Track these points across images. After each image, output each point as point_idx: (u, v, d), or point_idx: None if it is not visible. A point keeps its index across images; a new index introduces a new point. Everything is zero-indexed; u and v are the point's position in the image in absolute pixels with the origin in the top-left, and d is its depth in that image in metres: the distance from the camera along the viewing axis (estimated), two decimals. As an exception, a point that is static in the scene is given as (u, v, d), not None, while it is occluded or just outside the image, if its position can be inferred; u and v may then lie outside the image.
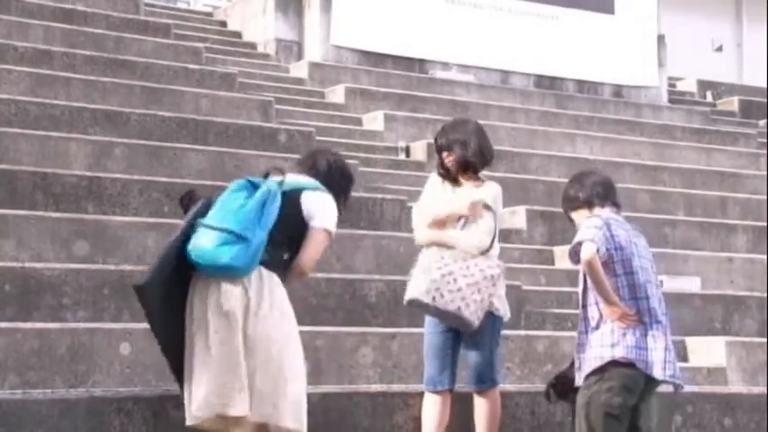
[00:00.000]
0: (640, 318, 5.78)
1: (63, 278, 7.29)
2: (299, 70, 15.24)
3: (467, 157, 6.53)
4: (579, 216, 6.09)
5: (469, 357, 6.45)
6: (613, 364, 5.71)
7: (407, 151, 13.08)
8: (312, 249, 5.74)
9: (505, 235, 11.25)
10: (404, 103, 14.60)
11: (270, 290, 5.54)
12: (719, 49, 24.07)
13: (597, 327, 5.80)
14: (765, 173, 14.98)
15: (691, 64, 21.21)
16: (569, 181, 6.29)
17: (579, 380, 5.87)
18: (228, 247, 5.40)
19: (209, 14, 17.55)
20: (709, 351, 9.25)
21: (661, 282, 10.57)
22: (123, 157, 9.68)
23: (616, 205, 6.12)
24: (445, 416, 6.51)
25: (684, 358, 9.32)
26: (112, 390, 6.18)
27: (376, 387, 7.10)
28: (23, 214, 8.07)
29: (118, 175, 9.18)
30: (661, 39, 18.59)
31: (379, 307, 8.25)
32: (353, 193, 10.12)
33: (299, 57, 15.70)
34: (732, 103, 19.36)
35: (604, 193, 6.08)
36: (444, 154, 6.62)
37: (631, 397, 5.76)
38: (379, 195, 10.30)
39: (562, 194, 6.24)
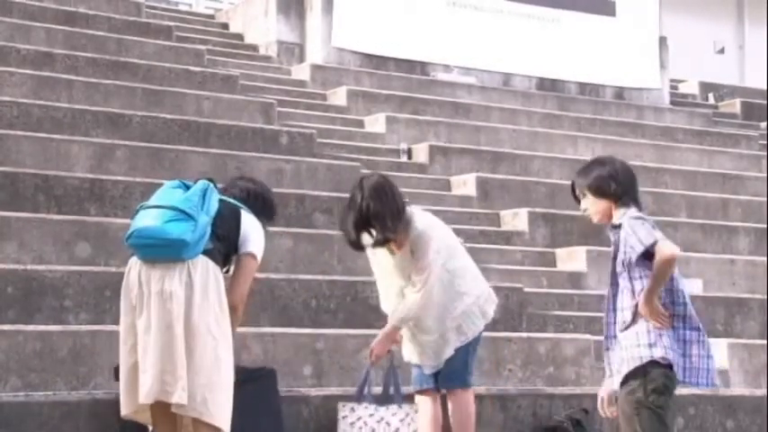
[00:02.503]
0: (673, 322, 5.62)
1: (65, 280, 7.30)
2: (300, 72, 15.24)
3: (388, 236, 6.30)
4: (599, 205, 5.67)
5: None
6: (653, 364, 5.54)
7: (409, 153, 13.08)
8: (243, 279, 5.64)
9: (507, 237, 11.27)
10: (406, 105, 14.61)
11: (215, 282, 5.44)
12: (721, 51, 24.07)
13: (626, 328, 5.64)
14: (767, 175, 14.98)
15: (692, 66, 21.21)
16: (598, 164, 5.72)
17: (615, 384, 5.67)
18: (176, 223, 5.31)
19: (211, 17, 17.55)
20: (710, 353, 9.24)
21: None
22: (125, 159, 9.70)
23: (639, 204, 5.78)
24: (438, 415, 6.48)
25: (686, 360, 9.32)
26: (114, 392, 6.17)
27: (378, 389, 7.10)
28: (25, 216, 8.09)
29: (120, 178, 9.19)
30: (663, 41, 18.59)
31: (381, 309, 8.24)
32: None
33: (301, 59, 15.70)
34: (734, 105, 19.35)
35: (635, 194, 5.71)
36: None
37: (671, 398, 5.64)
38: (381, 197, 10.28)
39: (586, 173, 5.67)
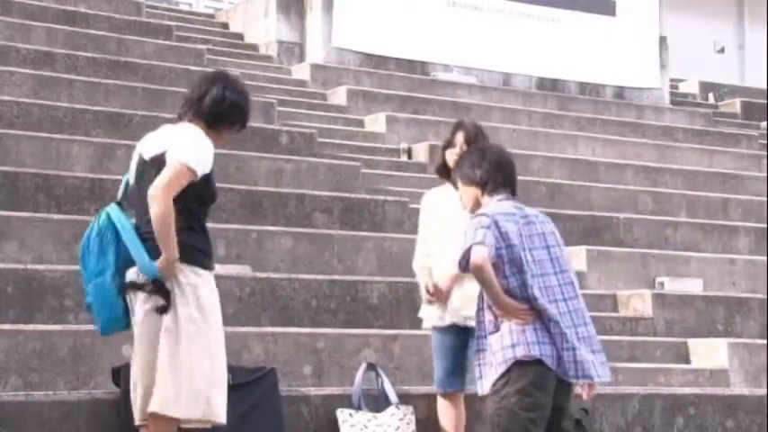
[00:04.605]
0: (536, 313, 5.40)
1: (65, 280, 7.30)
2: (300, 72, 15.24)
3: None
4: (468, 192, 5.80)
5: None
6: (517, 363, 5.34)
7: (409, 153, 13.07)
8: (163, 174, 5.40)
9: (507, 237, 11.26)
10: (406, 104, 14.60)
11: (182, 293, 5.35)
12: (722, 50, 24.07)
13: (496, 329, 5.45)
14: (767, 174, 14.98)
15: (693, 66, 21.20)
16: (471, 153, 6.01)
17: (485, 388, 5.48)
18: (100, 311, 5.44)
19: (211, 16, 17.54)
20: (711, 353, 9.25)
21: (662, 283, 10.64)
22: (125, 158, 9.59)
23: (513, 192, 5.85)
24: (461, 416, 6.51)
25: (687, 360, 9.33)
26: (114, 392, 6.18)
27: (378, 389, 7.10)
28: (26, 216, 8.09)
29: (120, 177, 9.11)
30: (663, 40, 18.58)
31: (381, 309, 8.26)
32: (357, 196, 10.28)
33: (301, 58, 15.70)
34: (734, 105, 19.34)
35: (502, 180, 5.83)
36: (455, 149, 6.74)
37: (544, 395, 5.36)
38: (381, 197, 10.30)
39: (459, 163, 5.95)
